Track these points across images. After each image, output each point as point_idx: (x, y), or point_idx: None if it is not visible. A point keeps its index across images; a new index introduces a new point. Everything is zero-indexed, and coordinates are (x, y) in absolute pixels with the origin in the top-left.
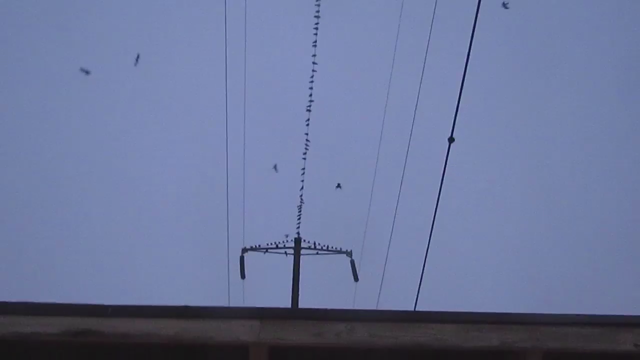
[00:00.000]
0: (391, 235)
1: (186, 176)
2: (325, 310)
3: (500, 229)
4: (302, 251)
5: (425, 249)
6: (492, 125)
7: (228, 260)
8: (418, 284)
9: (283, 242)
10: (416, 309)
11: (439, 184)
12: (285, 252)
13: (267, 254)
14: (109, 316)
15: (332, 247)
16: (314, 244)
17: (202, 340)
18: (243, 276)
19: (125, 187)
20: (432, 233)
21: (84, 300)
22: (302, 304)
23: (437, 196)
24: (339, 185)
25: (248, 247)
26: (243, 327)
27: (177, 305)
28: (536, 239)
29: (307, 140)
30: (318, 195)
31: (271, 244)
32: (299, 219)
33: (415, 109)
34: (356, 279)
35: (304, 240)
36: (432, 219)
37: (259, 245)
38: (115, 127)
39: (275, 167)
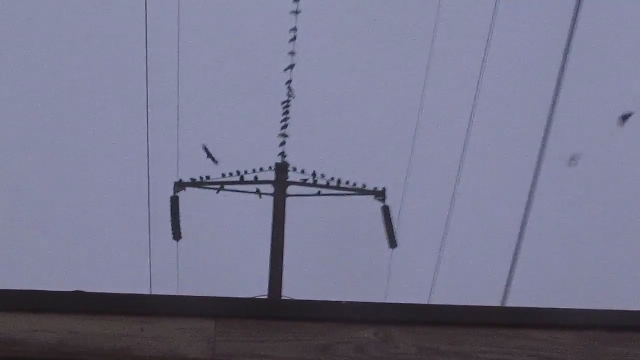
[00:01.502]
0: (460, 169)
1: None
2: (339, 305)
3: None
4: (290, 189)
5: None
6: None
7: (149, 206)
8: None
9: (254, 171)
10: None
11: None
12: (258, 191)
13: (223, 194)
14: None
15: (348, 184)
16: (314, 176)
17: (110, 353)
18: (177, 235)
19: None
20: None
21: None
22: (290, 291)
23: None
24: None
25: (186, 180)
26: (185, 332)
27: (64, 292)
28: None
29: None
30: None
31: (231, 175)
32: (284, 126)
33: None
34: (393, 243)
35: (293, 169)
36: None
37: (208, 178)
38: None
39: None
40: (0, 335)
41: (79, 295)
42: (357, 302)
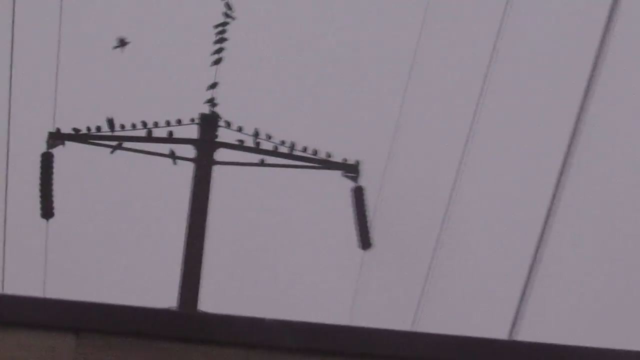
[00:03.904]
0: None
1: None
2: (282, 325)
3: None
4: (220, 154)
5: None
6: None
7: (7, 166)
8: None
9: (168, 124)
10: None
11: None
12: (173, 154)
13: (120, 154)
14: None
15: (306, 151)
16: (255, 136)
17: None
18: (48, 211)
19: None
20: None
21: None
22: (213, 303)
23: None
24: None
25: (65, 131)
26: (40, 347)
27: None
28: None
29: None
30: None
31: (134, 127)
32: (218, 50)
33: None
34: (366, 241)
35: (226, 125)
36: None
37: (98, 129)
38: None
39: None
40: None
41: None
42: (289, 321)
